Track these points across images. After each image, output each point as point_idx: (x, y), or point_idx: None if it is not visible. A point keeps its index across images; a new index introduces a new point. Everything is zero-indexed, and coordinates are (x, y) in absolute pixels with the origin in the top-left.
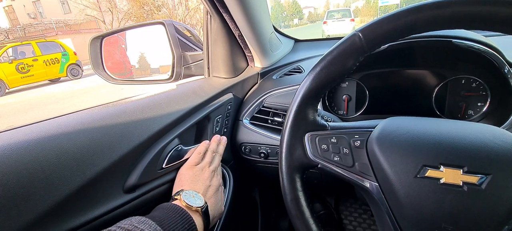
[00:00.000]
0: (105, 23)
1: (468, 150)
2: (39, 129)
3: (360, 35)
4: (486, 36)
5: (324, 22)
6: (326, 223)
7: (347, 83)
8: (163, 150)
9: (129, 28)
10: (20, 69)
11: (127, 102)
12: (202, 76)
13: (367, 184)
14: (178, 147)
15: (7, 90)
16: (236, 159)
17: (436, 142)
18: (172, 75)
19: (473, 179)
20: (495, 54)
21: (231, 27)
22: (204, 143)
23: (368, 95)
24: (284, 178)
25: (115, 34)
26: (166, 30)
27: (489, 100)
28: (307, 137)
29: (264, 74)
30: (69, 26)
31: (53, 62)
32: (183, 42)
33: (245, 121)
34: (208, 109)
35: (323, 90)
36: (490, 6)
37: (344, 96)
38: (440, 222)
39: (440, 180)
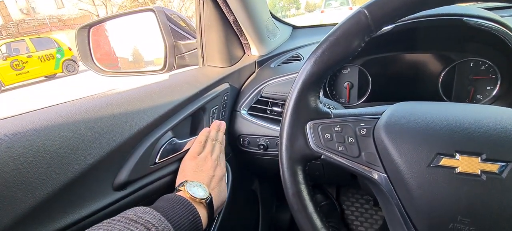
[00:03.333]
0: (99, 17)
1: (487, 136)
2: (12, 123)
3: (366, 12)
4: (502, 16)
5: (322, 11)
6: (328, 214)
7: (348, 69)
8: (156, 144)
9: (117, 16)
10: (15, 66)
11: (114, 94)
12: (197, 66)
13: (375, 175)
14: (173, 141)
15: (2, 88)
16: (234, 152)
17: (451, 127)
18: (164, 66)
19: (493, 167)
20: (509, 33)
21: (225, 12)
22: (205, 131)
23: (371, 82)
24: (285, 170)
25: (104, 23)
26: (156, 17)
27: (499, 83)
28: (309, 125)
29: (262, 62)
30: (63, 21)
31: (48, 58)
32: (175, 31)
33: (243, 112)
34: (203, 100)
35: (325, 75)
36: None
37: (345, 83)
38: (456, 215)
39: (456, 169)
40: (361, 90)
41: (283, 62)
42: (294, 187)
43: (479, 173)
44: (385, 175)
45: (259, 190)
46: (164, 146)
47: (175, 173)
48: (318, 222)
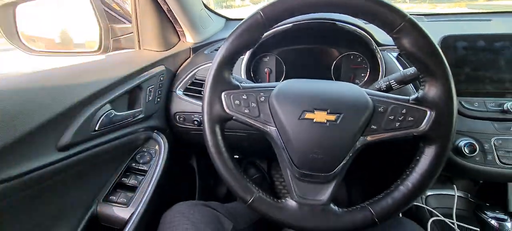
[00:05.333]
0: None
1: (331, 99)
2: None
3: (261, 13)
4: (365, 22)
5: None
6: (260, 185)
7: (268, 58)
8: (95, 114)
9: None
10: None
11: (55, 69)
12: (133, 49)
13: (269, 129)
14: (111, 113)
15: None
16: (171, 128)
17: (313, 94)
18: (100, 48)
19: (333, 117)
20: (367, 36)
21: (159, 1)
22: None
23: (285, 68)
24: (206, 129)
25: (32, 1)
26: None
27: (368, 71)
28: (223, 95)
29: (196, 49)
30: None
31: None
32: (110, 14)
33: (179, 92)
34: (140, 79)
35: (235, 57)
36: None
37: (266, 69)
38: (313, 149)
39: (313, 120)
40: (278, 75)
41: (216, 50)
42: (213, 140)
43: (325, 122)
44: (276, 129)
45: (197, 164)
46: (103, 116)
47: (111, 141)
48: (231, 164)
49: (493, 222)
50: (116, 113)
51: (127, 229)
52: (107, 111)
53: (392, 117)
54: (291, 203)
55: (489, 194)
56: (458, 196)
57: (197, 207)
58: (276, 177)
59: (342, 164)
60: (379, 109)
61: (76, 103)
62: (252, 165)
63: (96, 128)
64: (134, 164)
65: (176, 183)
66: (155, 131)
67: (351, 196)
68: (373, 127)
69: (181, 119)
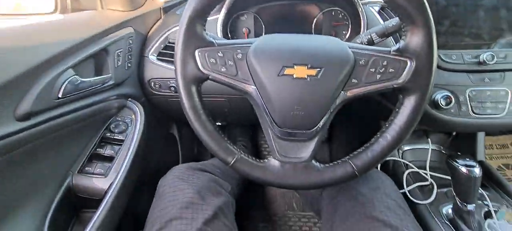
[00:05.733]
0: None
1: (311, 53)
2: None
3: None
4: None
5: None
6: (244, 150)
7: (245, 16)
8: (57, 79)
9: None
10: None
11: (4, 29)
12: (94, 10)
13: (248, 88)
14: (75, 79)
15: None
16: (146, 96)
17: (292, 49)
18: (56, 8)
19: (313, 72)
20: None
21: None
22: None
23: (264, 27)
24: (181, 90)
25: None
26: None
27: (350, 28)
28: (197, 52)
29: (167, 9)
30: None
31: None
32: None
33: (151, 57)
34: (105, 42)
35: (207, 9)
36: None
37: (244, 29)
38: (293, 105)
39: (294, 76)
40: (256, 35)
41: None
42: (190, 102)
43: (306, 77)
44: (255, 87)
45: (178, 133)
46: (66, 83)
47: (79, 109)
48: (210, 126)
49: (462, 169)
50: (82, 80)
51: (106, 199)
52: (70, 77)
53: (373, 70)
54: (274, 162)
55: (460, 146)
56: (432, 149)
57: (195, 171)
58: (260, 143)
59: (323, 120)
60: (360, 62)
61: (33, 67)
62: (236, 131)
63: (60, 95)
64: (109, 134)
65: (157, 152)
66: (129, 99)
67: (333, 154)
68: (353, 80)
69: (157, 86)
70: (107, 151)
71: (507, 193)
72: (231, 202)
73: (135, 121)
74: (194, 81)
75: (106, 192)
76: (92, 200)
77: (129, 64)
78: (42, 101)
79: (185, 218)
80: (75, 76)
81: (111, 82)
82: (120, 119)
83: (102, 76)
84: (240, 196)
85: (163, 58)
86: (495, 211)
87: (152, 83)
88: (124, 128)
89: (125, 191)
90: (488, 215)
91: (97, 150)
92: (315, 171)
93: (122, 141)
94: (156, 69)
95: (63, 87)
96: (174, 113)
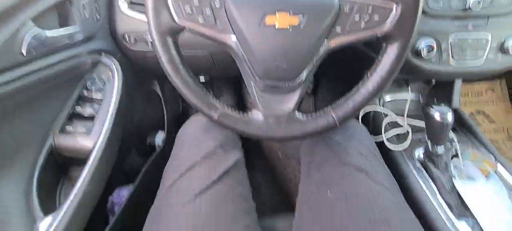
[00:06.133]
0: None
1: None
2: None
3: None
4: None
5: None
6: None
7: None
8: (17, 34)
9: None
10: None
11: None
12: None
13: (228, 39)
14: (40, 34)
15: None
16: (122, 51)
17: None
18: None
19: (296, 19)
20: None
21: None
22: None
23: None
24: (156, 43)
25: None
26: None
27: None
28: (170, 1)
29: None
30: None
31: None
32: None
33: (122, 7)
34: None
35: None
36: None
37: None
38: (275, 57)
39: (276, 26)
40: None
41: None
42: (167, 55)
43: (288, 28)
44: (235, 39)
45: (160, 90)
46: (29, 37)
47: (49, 67)
48: (190, 80)
49: (436, 116)
50: (47, 35)
51: (92, 157)
52: (33, 30)
53: (357, 18)
54: (257, 115)
55: (438, 94)
56: (411, 98)
57: (213, 123)
58: (246, 96)
59: (306, 71)
60: (345, 9)
61: None
62: (223, 86)
63: (24, 52)
64: (86, 93)
65: (141, 110)
66: (103, 55)
67: (317, 105)
68: (338, 29)
69: (132, 40)
70: (87, 109)
71: (475, 136)
72: (243, 156)
73: (112, 78)
74: (169, 32)
75: (91, 151)
76: (79, 160)
77: (97, 16)
78: (4, 59)
79: (206, 166)
80: (39, 30)
81: (80, 36)
82: (96, 76)
83: (68, 28)
84: None
85: (136, 9)
86: (461, 153)
87: (127, 37)
88: (101, 85)
89: (111, 148)
90: (455, 156)
91: (76, 109)
92: (298, 122)
93: (101, 99)
94: (130, 22)
95: (26, 43)
96: (153, 69)
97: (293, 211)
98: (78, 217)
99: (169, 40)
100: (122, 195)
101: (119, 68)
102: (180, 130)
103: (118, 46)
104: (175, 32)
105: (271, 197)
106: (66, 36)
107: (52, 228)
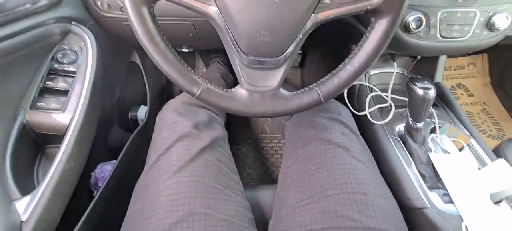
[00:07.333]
0: None
1: None
2: None
3: None
4: None
5: None
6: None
7: None
8: None
9: None
10: None
11: None
12: None
13: (209, 10)
14: None
15: None
16: (95, 19)
17: None
18: None
19: None
20: None
21: None
22: None
23: None
24: (130, 14)
25: None
26: None
27: None
28: None
29: None
30: None
31: None
32: None
33: None
34: None
35: None
36: None
37: None
38: (261, 30)
39: None
40: None
41: None
42: (143, 27)
43: None
44: (217, 8)
45: (140, 61)
46: None
47: (12, 36)
48: (170, 55)
49: (419, 91)
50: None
51: (69, 134)
52: None
53: None
54: (241, 91)
55: (423, 69)
56: (396, 72)
57: (191, 106)
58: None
59: (292, 46)
60: None
61: None
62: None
63: None
64: (57, 65)
65: (121, 83)
66: (73, 23)
67: (304, 80)
68: (325, 1)
69: (105, 6)
70: (60, 83)
71: (453, 111)
72: (226, 134)
73: (85, 49)
74: (144, 2)
75: (68, 127)
76: (55, 136)
77: None
78: None
79: (181, 146)
80: None
81: (43, 1)
82: (67, 47)
83: None
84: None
85: None
86: (439, 127)
87: (99, 2)
88: (73, 57)
89: (89, 124)
90: (433, 130)
91: (47, 83)
92: (283, 99)
93: (74, 72)
94: None
95: None
96: (130, 39)
97: (277, 181)
98: (59, 195)
99: (145, 10)
100: (105, 169)
101: (93, 37)
102: (158, 115)
103: (89, 13)
104: (150, 1)
105: (257, 168)
106: (28, 1)
107: (31, 207)
